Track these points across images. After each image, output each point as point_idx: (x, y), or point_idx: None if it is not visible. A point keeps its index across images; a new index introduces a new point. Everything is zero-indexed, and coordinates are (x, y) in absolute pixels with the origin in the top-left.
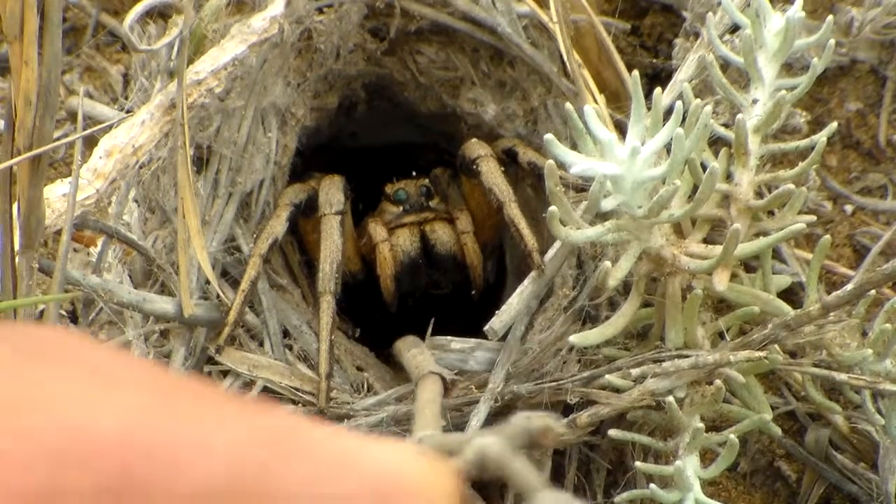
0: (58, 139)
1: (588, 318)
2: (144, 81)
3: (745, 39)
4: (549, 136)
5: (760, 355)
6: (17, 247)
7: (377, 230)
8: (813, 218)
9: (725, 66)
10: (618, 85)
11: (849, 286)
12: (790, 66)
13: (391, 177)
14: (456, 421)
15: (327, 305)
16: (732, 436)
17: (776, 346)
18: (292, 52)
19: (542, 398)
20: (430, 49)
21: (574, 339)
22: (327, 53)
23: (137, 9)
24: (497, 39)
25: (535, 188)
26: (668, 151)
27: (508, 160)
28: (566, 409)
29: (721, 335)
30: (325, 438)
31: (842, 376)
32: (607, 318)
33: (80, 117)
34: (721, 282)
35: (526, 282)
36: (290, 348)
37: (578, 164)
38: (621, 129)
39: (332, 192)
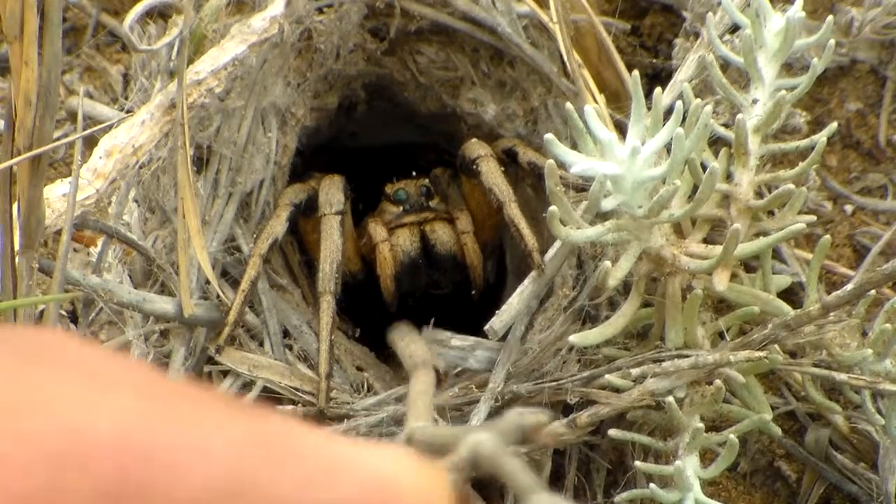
0: (58, 139)
1: (588, 318)
2: (144, 81)
3: (746, 39)
4: (549, 136)
5: (760, 355)
6: (17, 247)
7: (377, 230)
8: (813, 218)
9: (725, 66)
10: (618, 85)
11: (849, 286)
12: (790, 66)
13: (391, 177)
14: (456, 421)
15: (327, 305)
16: (732, 436)
17: (776, 346)
18: (292, 52)
19: (542, 398)
20: (430, 49)
21: (574, 338)
22: (327, 53)
23: (137, 9)
24: (497, 39)
25: (535, 188)
26: (669, 151)
27: (508, 160)
28: (566, 409)
29: (721, 335)
30: (321, 443)
31: (842, 376)
32: (607, 318)
33: (80, 117)
34: (721, 282)
35: (526, 282)
36: (290, 348)
37: (578, 163)
38: (621, 129)
39: (332, 192)
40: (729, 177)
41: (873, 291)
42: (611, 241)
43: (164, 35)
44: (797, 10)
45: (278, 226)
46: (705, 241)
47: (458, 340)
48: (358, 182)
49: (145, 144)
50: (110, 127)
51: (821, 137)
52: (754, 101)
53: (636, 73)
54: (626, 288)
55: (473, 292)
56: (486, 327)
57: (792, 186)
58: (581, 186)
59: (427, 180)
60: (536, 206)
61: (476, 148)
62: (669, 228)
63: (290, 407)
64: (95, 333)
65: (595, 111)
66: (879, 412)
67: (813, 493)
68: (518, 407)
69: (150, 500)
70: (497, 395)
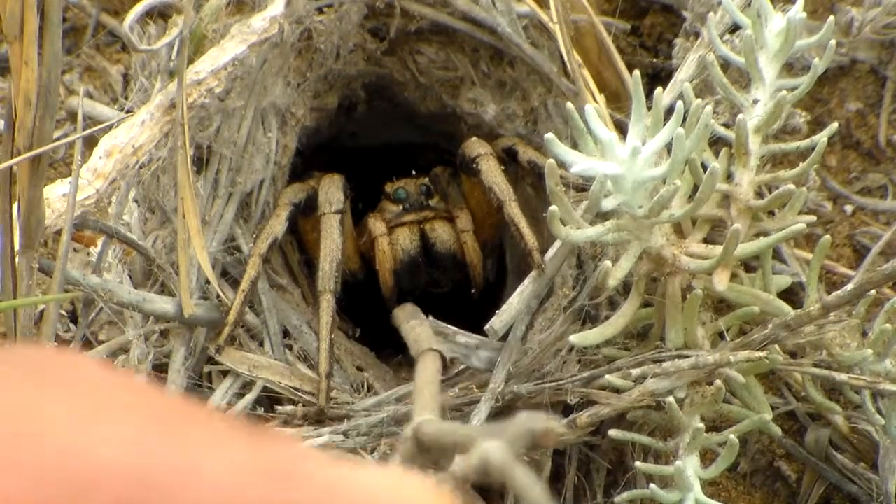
0: (58, 139)
1: (588, 318)
2: (144, 81)
3: (746, 39)
4: (549, 136)
5: (760, 355)
6: (17, 247)
7: (376, 225)
8: (813, 218)
9: (726, 65)
10: (618, 85)
11: (849, 286)
12: (791, 66)
13: (391, 176)
14: (457, 421)
15: (327, 304)
16: (732, 436)
17: (776, 346)
18: (292, 52)
19: (543, 398)
20: (430, 49)
21: (574, 339)
22: (327, 53)
23: (137, 9)
24: (497, 39)
25: (535, 187)
26: (669, 151)
27: (508, 159)
28: (566, 410)
29: (721, 335)
30: (323, 466)
31: (842, 376)
32: (607, 318)
33: (80, 117)
34: (721, 282)
35: (526, 281)
36: (290, 348)
37: (579, 163)
38: (622, 129)
39: (332, 191)
40: (729, 177)
41: (873, 291)
42: (611, 241)
43: (164, 35)
44: (798, 11)
45: (278, 225)
46: (705, 241)
47: (463, 337)
48: (358, 182)
49: (145, 144)
50: (110, 127)
51: (821, 138)
52: (755, 102)
53: (637, 73)
54: (626, 288)
55: (473, 291)
56: (487, 327)
57: (792, 186)
58: (581, 186)
59: (427, 179)
60: (537, 205)
61: (476, 146)
62: (670, 228)
63: (290, 407)
64: (95, 333)
65: (595, 111)
66: (879, 412)
67: (813, 493)
68: (518, 407)
69: None
70: (497, 396)
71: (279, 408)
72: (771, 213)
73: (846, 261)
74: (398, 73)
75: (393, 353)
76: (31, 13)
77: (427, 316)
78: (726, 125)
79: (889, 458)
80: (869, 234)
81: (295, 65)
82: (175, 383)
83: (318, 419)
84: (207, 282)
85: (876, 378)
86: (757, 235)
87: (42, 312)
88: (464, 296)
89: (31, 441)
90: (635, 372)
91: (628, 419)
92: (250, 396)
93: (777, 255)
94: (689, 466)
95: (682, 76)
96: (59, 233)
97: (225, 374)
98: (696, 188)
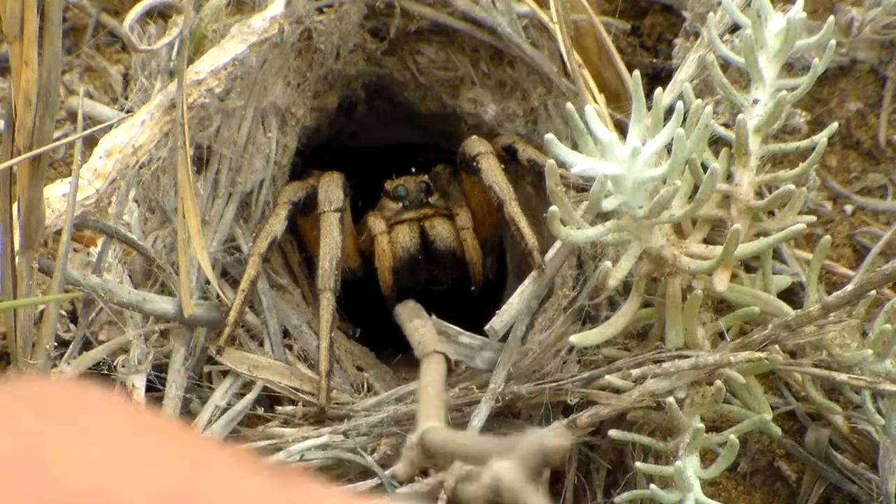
0: (58, 139)
1: (588, 318)
2: (144, 81)
3: (746, 39)
4: (549, 136)
5: (761, 356)
6: (17, 247)
7: (376, 222)
8: (813, 218)
9: (726, 66)
10: (618, 85)
11: (849, 287)
12: (791, 67)
13: (391, 176)
14: (457, 421)
15: (327, 303)
16: (732, 436)
17: (776, 346)
18: (292, 52)
19: (543, 399)
20: (430, 49)
21: (574, 339)
22: (327, 53)
23: (137, 9)
24: (497, 39)
25: (535, 187)
26: (669, 152)
27: (508, 157)
28: (566, 410)
29: (721, 335)
30: None
31: (842, 376)
32: (607, 318)
33: (80, 117)
34: (721, 282)
35: (526, 281)
36: (290, 348)
37: (579, 164)
38: (622, 129)
39: (332, 190)
40: (729, 177)
41: (873, 292)
42: (611, 242)
43: (164, 35)
44: (798, 11)
45: (277, 224)
46: (706, 241)
47: (467, 338)
48: (358, 182)
49: (145, 144)
50: (110, 127)
51: (821, 138)
52: (755, 102)
53: (637, 73)
54: (626, 288)
55: (473, 288)
56: (487, 327)
57: (792, 187)
58: (582, 186)
59: (426, 177)
60: (537, 204)
61: (476, 145)
62: (670, 229)
63: (290, 407)
64: (95, 333)
65: (595, 111)
66: (879, 412)
67: (813, 493)
68: (519, 407)
69: None
70: (498, 396)
71: (279, 408)
72: (771, 214)
73: (846, 261)
74: (398, 73)
75: (393, 353)
76: (31, 13)
77: (430, 315)
78: (726, 125)
79: (889, 458)
80: (869, 234)
81: (295, 65)
82: (175, 383)
83: (318, 419)
84: (207, 282)
85: (876, 378)
86: (757, 236)
87: (42, 312)
88: (463, 294)
89: (42, 481)
90: (635, 372)
91: (628, 419)
92: (250, 396)
93: (777, 255)
94: (689, 467)
95: (682, 76)
96: (59, 233)
97: (225, 374)
98: (696, 188)
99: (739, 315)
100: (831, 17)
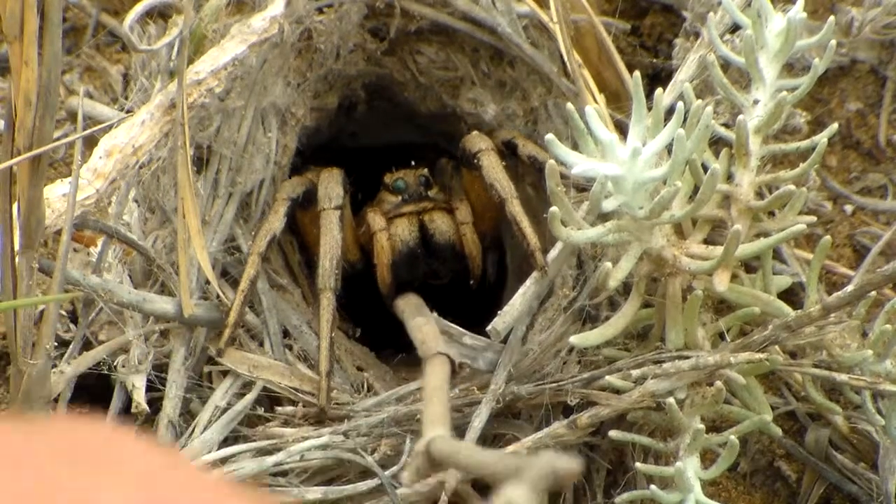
0: (58, 139)
1: (588, 319)
2: (144, 81)
3: (747, 40)
4: (550, 137)
5: (761, 357)
6: (17, 247)
7: (375, 219)
8: (813, 219)
9: (726, 66)
10: (618, 85)
11: (849, 287)
12: (791, 67)
13: (391, 170)
14: (458, 422)
15: (327, 302)
16: (733, 436)
17: (776, 346)
18: (292, 52)
19: (543, 399)
20: (430, 49)
21: (574, 339)
22: (327, 53)
23: (137, 9)
24: (497, 39)
25: (535, 187)
26: (669, 152)
27: (508, 152)
28: (566, 410)
29: (721, 336)
30: None
31: (842, 377)
32: (607, 318)
33: (80, 117)
34: (721, 282)
35: (528, 282)
36: (290, 348)
37: (580, 164)
38: (622, 130)
39: (332, 187)
40: (729, 177)
41: (874, 292)
42: (612, 242)
43: (164, 35)
44: (798, 11)
45: (276, 222)
46: (706, 241)
47: (470, 339)
48: (357, 180)
49: (145, 144)
50: (110, 127)
51: (821, 138)
52: (755, 102)
53: (637, 74)
54: (626, 288)
55: (472, 282)
56: (489, 328)
57: (792, 187)
58: (582, 186)
59: (426, 170)
60: (537, 205)
61: (477, 141)
62: (670, 229)
63: (290, 408)
64: (95, 333)
65: (596, 111)
66: (879, 412)
67: (813, 493)
68: (519, 408)
69: None
70: (498, 397)
71: (279, 408)
72: (771, 214)
73: (846, 261)
74: (398, 73)
75: (393, 353)
76: (31, 13)
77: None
78: (726, 125)
79: (889, 458)
80: (869, 234)
81: (295, 65)
82: (175, 383)
83: (319, 419)
84: (207, 282)
85: (876, 378)
86: (757, 236)
87: (42, 312)
88: (462, 290)
89: None
90: (635, 373)
91: (628, 420)
92: (250, 396)
93: (777, 255)
94: (690, 467)
95: (683, 76)
96: (59, 233)
97: (225, 374)
98: (696, 189)
99: (740, 315)
100: (831, 18)
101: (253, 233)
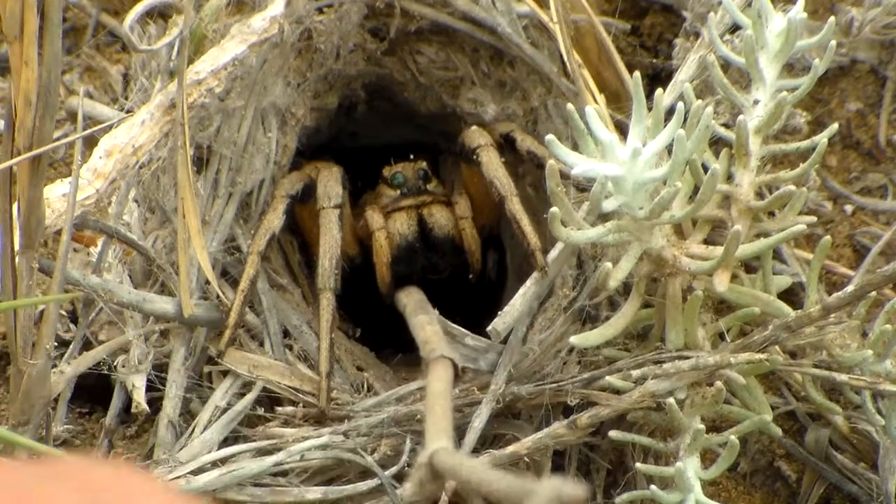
0: (58, 139)
1: (588, 319)
2: (144, 81)
3: (747, 40)
4: (550, 137)
5: (761, 357)
6: (17, 247)
7: (374, 218)
8: (813, 219)
9: (726, 66)
10: (618, 85)
11: (849, 288)
12: (791, 67)
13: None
14: (458, 422)
15: (327, 302)
16: (733, 436)
17: (776, 346)
18: (292, 52)
19: (543, 399)
20: (430, 49)
21: (574, 339)
22: (327, 53)
23: (137, 9)
24: (497, 39)
25: (535, 187)
26: (669, 152)
27: (507, 146)
28: (566, 411)
29: (721, 336)
30: None
31: (842, 377)
32: (607, 318)
33: (80, 117)
34: (722, 283)
35: (529, 282)
36: (290, 348)
37: (580, 164)
38: (622, 130)
39: (331, 185)
40: (730, 178)
41: (874, 293)
42: (612, 242)
43: (164, 35)
44: (799, 11)
45: (275, 220)
46: (706, 242)
47: (472, 340)
48: (357, 178)
49: (145, 144)
50: (110, 127)
51: (821, 138)
52: (755, 102)
53: (637, 74)
54: (626, 289)
55: (471, 276)
56: (489, 328)
57: (793, 187)
58: (582, 186)
59: (424, 163)
60: (537, 204)
61: (476, 136)
62: (670, 229)
63: (290, 408)
64: (95, 333)
65: (596, 112)
66: (879, 412)
67: (813, 493)
68: (519, 408)
69: None
70: (499, 397)
71: (279, 408)
72: (771, 214)
73: (846, 261)
74: (398, 73)
75: (393, 353)
76: (31, 13)
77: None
78: (727, 126)
79: (889, 458)
80: (869, 234)
81: (295, 65)
82: (175, 383)
83: (319, 419)
84: (207, 282)
85: (876, 378)
86: (757, 236)
87: (42, 312)
88: (461, 285)
89: None
90: (636, 373)
91: (628, 420)
92: (250, 396)
93: (777, 255)
94: (690, 467)
95: (683, 76)
96: (59, 233)
97: (225, 374)
98: (696, 189)
99: (740, 316)
100: (832, 18)
101: (252, 231)
